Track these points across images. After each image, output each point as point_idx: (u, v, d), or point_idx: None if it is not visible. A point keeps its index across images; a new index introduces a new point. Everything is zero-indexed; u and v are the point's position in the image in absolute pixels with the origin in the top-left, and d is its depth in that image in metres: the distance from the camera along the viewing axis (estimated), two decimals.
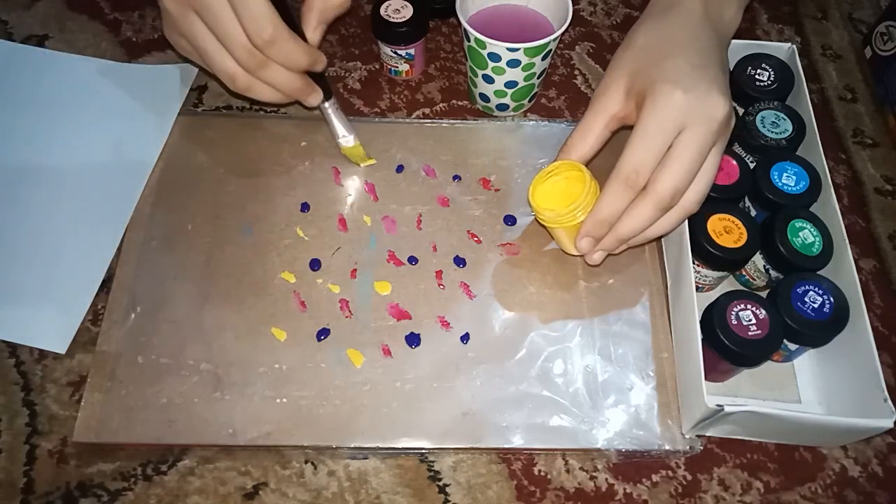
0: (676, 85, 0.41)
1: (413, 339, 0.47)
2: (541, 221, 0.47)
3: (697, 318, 0.43)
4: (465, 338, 0.48)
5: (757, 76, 0.54)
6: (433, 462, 0.45)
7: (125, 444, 0.44)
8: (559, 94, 0.61)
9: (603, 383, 0.46)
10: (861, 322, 0.43)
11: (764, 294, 0.46)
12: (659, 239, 0.50)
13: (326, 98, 0.51)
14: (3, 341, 0.47)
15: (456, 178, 0.55)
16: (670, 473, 0.45)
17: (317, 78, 0.49)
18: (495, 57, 0.52)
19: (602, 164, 0.46)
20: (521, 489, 0.44)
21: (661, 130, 0.41)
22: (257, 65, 0.43)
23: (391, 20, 0.56)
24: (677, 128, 0.41)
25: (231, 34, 0.42)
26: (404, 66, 0.60)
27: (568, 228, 0.46)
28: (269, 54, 0.43)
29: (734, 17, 0.48)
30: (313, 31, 0.47)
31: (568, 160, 0.46)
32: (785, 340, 0.44)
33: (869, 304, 0.44)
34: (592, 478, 0.44)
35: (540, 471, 0.45)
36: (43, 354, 0.47)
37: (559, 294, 0.50)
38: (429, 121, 0.58)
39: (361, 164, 0.54)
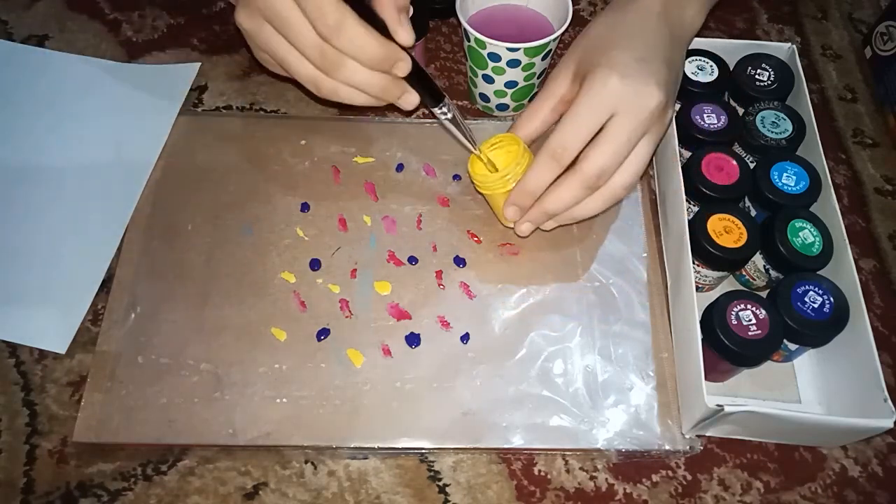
0: (613, 70, 0.42)
1: (413, 339, 0.47)
2: (477, 188, 0.49)
3: (697, 318, 0.43)
4: (465, 338, 0.48)
5: (757, 76, 0.54)
6: (433, 462, 0.45)
7: (125, 444, 0.44)
8: None
9: (603, 383, 0.46)
10: (861, 322, 0.43)
11: (764, 294, 0.46)
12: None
13: (433, 103, 0.46)
14: (3, 341, 0.47)
15: (456, 177, 0.55)
16: (670, 473, 0.45)
17: (419, 80, 0.44)
18: (495, 57, 0.52)
19: None
20: (521, 489, 0.44)
21: (592, 111, 0.42)
22: (332, 64, 0.41)
23: None
24: (608, 111, 0.42)
25: (301, 33, 0.40)
26: None
27: (501, 196, 0.47)
28: (337, 45, 0.40)
29: (694, 18, 0.49)
30: (397, 22, 0.41)
31: (512, 135, 0.48)
32: (785, 340, 0.44)
33: (869, 304, 0.44)
34: (592, 478, 0.44)
35: (540, 471, 0.45)
36: (43, 354, 0.47)
37: (559, 294, 0.50)
38: (429, 121, 0.58)
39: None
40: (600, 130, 0.43)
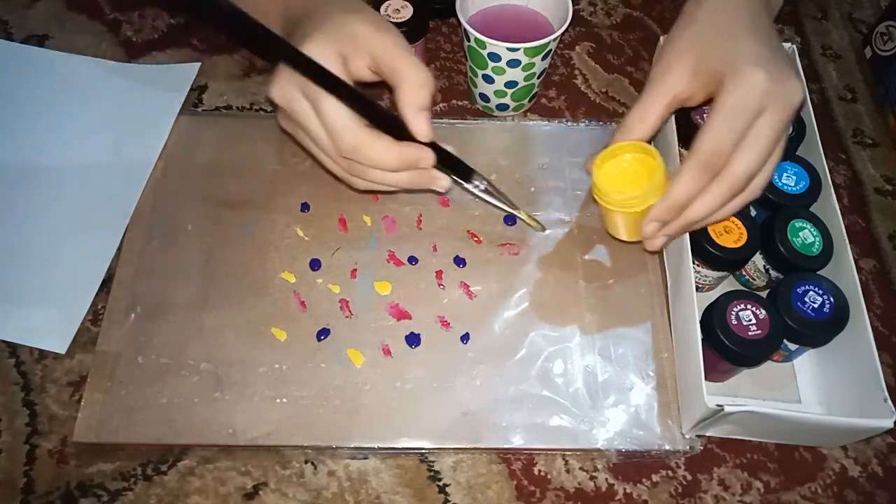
0: (759, 66, 0.39)
1: (413, 339, 0.47)
2: (602, 203, 0.45)
3: (697, 318, 0.43)
4: (465, 338, 0.48)
5: None
6: (433, 462, 0.45)
7: (125, 444, 0.44)
8: (559, 94, 0.61)
9: (603, 383, 0.46)
10: (861, 322, 0.43)
11: (764, 294, 0.46)
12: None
13: (465, 179, 0.46)
14: (3, 341, 0.47)
15: None
16: (670, 473, 0.45)
17: (448, 162, 0.45)
18: (495, 57, 0.52)
19: None
20: (521, 489, 0.44)
21: (743, 113, 0.39)
22: (358, 172, 0.43)
23: (391, 20, 0.56)
24: (758, 111, 0.39)
25: (326, 146, 0.42)
26: None
27: (629, 213, 0.44)
28: (359, 161, 0.42)
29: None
30: (414, 122, 0.42)
31: (630, 141, 0.44)
32: (785, 340, 0.44)
33: (869, 304, 0.44)
34: (592, 478, 0.44)
35: (540, 471, 0.45)
36: (43, 354, 0.47)
37: (559, 294, 0.50)
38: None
39: (537, 229, 0.51)
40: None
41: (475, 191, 0.47)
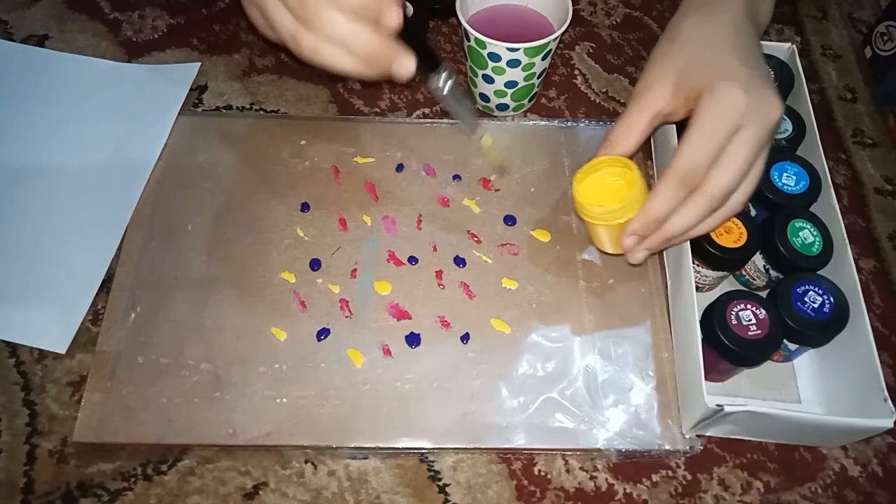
0: (737, 84, 0.40)
1: (413, 339, 0.47)
2: (583, 217, 0.46)
3: (697, 318, 0.43)
4: (465, 338, 0.48)
5: None
6: (433, 462, 0.45)
7: (125, 444, 0.44)
8: (559, 94, 0.61)
9: (603, 383, 0.46)
10: (861, 322, 0.43)
11: (764, 294, 0.46)
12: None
13: (429, 69, 0.40)
14: (3, 341, 0.47)
15: (456, 178, 0.55)
16: (670, 473, 0.45)
17: (414, 42, 0.38)
18: (495, 57, 0.52)
19: None
20: (521, 489, 0.44)
21: (720, 129, 0.40)
22: (310, 14, 0.36)
23: None
24: (735, 127, 0.40)
25: None
26: None
27: (611, 226, 0.45)
28: None
29: (768, 13, 0.48)
30: None
31: (612, 155, 0.45)
32: (785, 340, 0.44)
33: (869, 304, 0.44)
34: (592, 478, 0.44)
35: (540, 471, 0.45)
36: (43, 354, 0.47)
37: (559, 294, 0.50)
38: (429, 121, 0.58)
39: (493, 163, 0.46)
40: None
41: (436, 88, 0.40)
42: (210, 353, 0.46)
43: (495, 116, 0.59)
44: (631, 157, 0.45)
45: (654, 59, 0.45)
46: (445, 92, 0.41)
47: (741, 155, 0.40)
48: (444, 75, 0.40)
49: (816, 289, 0.44)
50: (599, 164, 0.45)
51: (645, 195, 0.43)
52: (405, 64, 0.38)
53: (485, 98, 0.57)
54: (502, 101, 0.57)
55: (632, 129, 0.44)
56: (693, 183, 0.40)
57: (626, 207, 0.43)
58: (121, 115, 0.57)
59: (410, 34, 0.37)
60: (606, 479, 0.44)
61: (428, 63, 0.39)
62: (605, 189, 0.45)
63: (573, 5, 0.53)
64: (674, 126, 0.50)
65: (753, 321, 0.43)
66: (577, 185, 0.45)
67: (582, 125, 0.58)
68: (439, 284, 0.50)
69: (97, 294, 0.49)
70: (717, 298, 0.44)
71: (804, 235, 0.46)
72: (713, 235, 0.46)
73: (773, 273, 0.47)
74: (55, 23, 0.63)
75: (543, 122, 0.58)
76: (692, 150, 0.40)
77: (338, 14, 0.36)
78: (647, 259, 0.51)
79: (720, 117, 0.40)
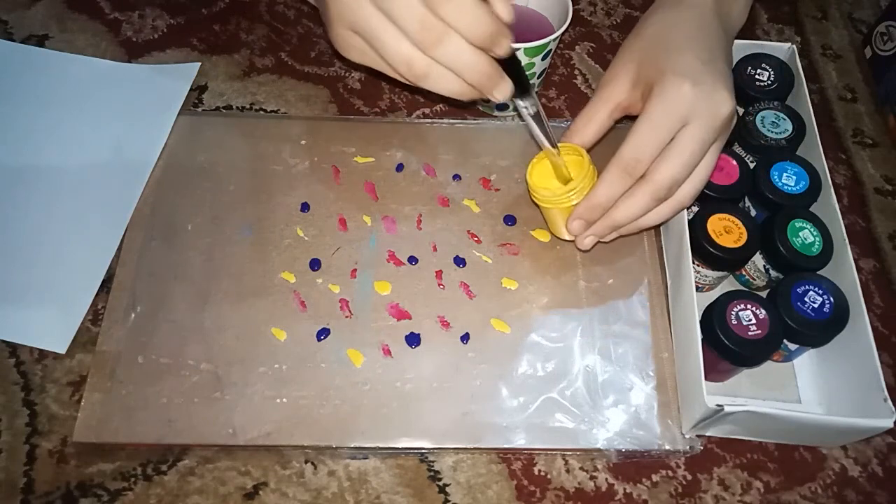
0: (685, 78, 0.41)
1: (413, 339, 0.47)
2: (535, 201, 0.48)
3: (697, 318, 0.43)
4: (465, 338, 0.48)
5: (757, 76, 0.54)
6: (433, 462, 0.45)
7: (125, 444, 0.44)
8: (559, 94, 0.61)
9: (603, 383, 0.46)
10: (861, 322, 0.43)
11: (764, 294, 0.46)
12: (652, 229, 0.50)
13: (520, 94, 0.42)
14: (3, 341, 0.47)
15: (456, 177, 0.55)
16: (670, 473, 0.45)
17: (512, 68, 0.40)
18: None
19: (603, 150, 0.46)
20: (521, 489, 0.44)
21: (665, 121, 0.41)
22: (434, 39, 0.37)
23: None
24: (682, 120, 0.41)
25: (403, 3, 0.36)
26: None
27: (562, 210, 0.46)
28: (444, 14, 0.36)
29: (741, 13, 0.49)
30: (499, 1, 0.38)
31: (568, 144, 0.47)
32: (785, 340, 0.44)
33: (869, 304, 0.44)
34: (592, 478, 0.44)
35: (540, 471, 0.45)
36: (43, 354, 0.47)
37: (559, 294, 0.50)
38: (429, 121, 0.58)
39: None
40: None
41: (523, 110, 0.43)
42: (210, 353, 0.46)
43: (495, 116, 0.59)
44: (589, 149, 0.47)
45: (619, 52, 0.47)
46: (531, 114, 0.44)
47: (687, 147, 0.41)
48: (532, 101, 0.43)
49: (816, 289, 0.44)
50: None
51: (594, 182, 0.44)
52: (504, 91, 0.40)
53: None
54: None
55: (592, 119, 0.46)
56: (637, 172, 0.42)
57: (574, 192, 0.45)
58: (121, 115, 0.57)
59: (510, 59, 0.40)
60: (606, 479, 0.44)
61: (520, 88, 0.42)
62: (556, 175, 0.47)
63: (573, 5, 0.53)
64: None
65: (753, 321, 0.43)
66: (531, 169, 0.47)
67: None
68: (439, 284, 0.50)
69: (97, 294, 0.49)
70: (717, 298, 0.44)
71: (804, 235, 0.46)
72: (713, 235, 0.46)
73: (773, 273, 0.47)
74: (55, 23, 0.63)
75: None
76: (637, 140, 0.41)
77: (463, 41, 0.37)
78: (648, 259, 0.51)
79: (666, 109, 0.41)
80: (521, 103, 0.43)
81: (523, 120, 0.45)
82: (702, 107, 0.41)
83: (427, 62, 0.38)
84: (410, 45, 0.38)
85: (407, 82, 0.40)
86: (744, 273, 0.50)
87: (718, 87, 0.41)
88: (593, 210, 0.44)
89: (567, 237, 0.49)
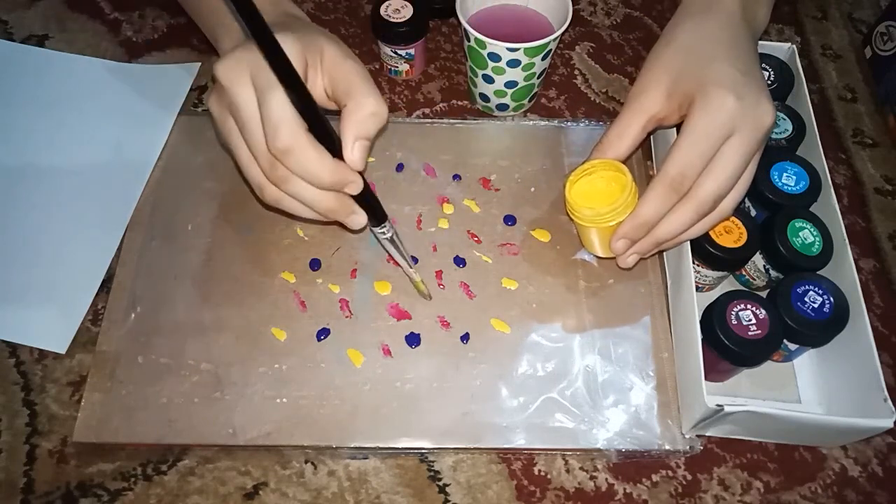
0: (728, 90, 0.40)
1: (413, 339, 0.47)
2: (575, 220, 0.47)
3: (697, 318, 0.43)
4: (465, 338, 0.48)
5: None
6: (433, 462, 0.45)
7: (125, 444, 0.44)
8: (559, 94, 0.61)
9: (603, 383, 0.46)
10: (861, 322, 0.43)
11: (764, 294, 0.46)
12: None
13: (375, 223, 0.44)
14: (3, 341, 0.47)
15: (456, 177, 0.55)
16: (670, 473, 0.45)
17: (366, 199, 0.42)
18: (495, 57, 0.52)
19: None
20: (521, 489, 0.44)
21: (710, 135, 0.40)
22: (281, 177, 0.38)
23: (391, 20, 0.56)
24: (726, 134, 0.40)
25: (255, 140, 0.38)
26: (404, 66, 0.60)
27: (602, 229, 0.45)
28: (287, 165, 0.38)
29: (765, 17, 0.48)
30: (350, 148, 0.39)
31: (605, 159, 0.45)
32: (785, 340, 0.44)
33: (869, 304, 0.44)
34: (592, 478, 0.44)
35: (540, 471, 0.45)
36: (43, 354, 0.47)
37: (559, 294, 0.50)
38: (429, 121, 0.58)
39: (421, 293, 0.49)
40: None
41: (380, 236, 0.45)
42: (210, 353, 0.46)
43: (495, 116, 0.59)
44: (625, 162, 0.45)
45: (649, 63, 0.45)
46: (387, 239, 0.45)
47: (732, 161, 0.40)
48: (387, 226, 0.44)
49: (816, 289, 0.44)
50: (592, 168, 0.46)
51: (636, 199, 0.43)
52: (357, 220, 0.42)
53: (485, 98, 0.57)
54: (502, 101, 0.57)
55: (625, 133, 0.45)
56: (683, 188, 0.41)
57: (617, 211, 0.43)
58: (121, 115, 0.57)
59: (362, 192, 0.41)
60: (606, 479, 0.44)
61: (376, 215, 0.43)
62: (597, 192, 0.46)
63: (573, 5, 0.53)
64: (675, 134, 0.50)
65: (753, 321, 0.43)
66: (570, 187, 0.46)
67: (582, 125, 0.58)
68: (439, 284, 0.50)
69: (97, 294, 0.49)
70: (717, 298, 0.44)
71: (804, 235, 0.46)
72: (713, 235, 0.46)
73: (773, 273, 0.47)
74: (55, 23, 0.63)
75: (543, 122, 0.58)
76: (683, 155, 0.40)
77: (304, 183, 0.39)
78: (648, 259, 0.51)
79: (711, 123, 0.40)
80: (376, 230, 0.44)
81: (381, 244, 0.46)
82: (746, 119, 0.40)
83: (277, 191, 0.40)
84: (262, 174, 0.39)
85: None
86: (744, 273, 0.50)
87: (762, 98, 0.41)
88: (639, 229, 0.43)
89: (603, 254, 0.48)
